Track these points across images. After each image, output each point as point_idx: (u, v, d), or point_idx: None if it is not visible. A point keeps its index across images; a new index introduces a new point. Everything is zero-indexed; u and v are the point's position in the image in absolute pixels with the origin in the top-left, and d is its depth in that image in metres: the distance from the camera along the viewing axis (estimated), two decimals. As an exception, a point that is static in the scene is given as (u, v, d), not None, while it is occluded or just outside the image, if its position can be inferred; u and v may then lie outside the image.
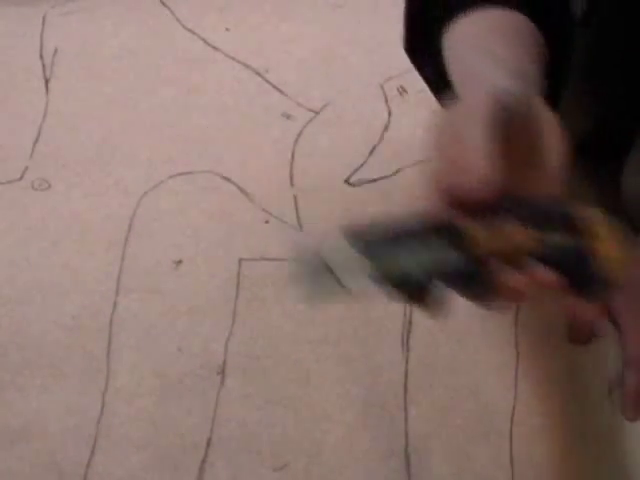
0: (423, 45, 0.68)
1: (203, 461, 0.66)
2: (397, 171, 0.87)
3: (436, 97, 0.72)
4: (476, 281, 0.43)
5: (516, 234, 0.42)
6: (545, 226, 0.41)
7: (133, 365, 0.71)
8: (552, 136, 0.49)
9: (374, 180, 0.86)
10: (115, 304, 0.75)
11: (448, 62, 0.61)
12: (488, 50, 0.56)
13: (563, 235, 0.40)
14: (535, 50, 0.58)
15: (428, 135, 0.50)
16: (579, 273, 0.40)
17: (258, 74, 0.98)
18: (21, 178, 0.85)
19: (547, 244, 0.41)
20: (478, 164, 0.44)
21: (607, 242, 0.40)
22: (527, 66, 0.54)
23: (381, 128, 0.92)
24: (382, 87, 0.94)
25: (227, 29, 1.04)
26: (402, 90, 0.93)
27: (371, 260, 0.40)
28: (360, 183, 0.86)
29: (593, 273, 0.40)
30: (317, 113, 0.93)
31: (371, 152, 0.89)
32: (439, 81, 0.64)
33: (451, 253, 0.41)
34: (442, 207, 0.45)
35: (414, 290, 0.42)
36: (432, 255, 0.41)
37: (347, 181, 0.86)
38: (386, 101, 0.92)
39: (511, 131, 0.47)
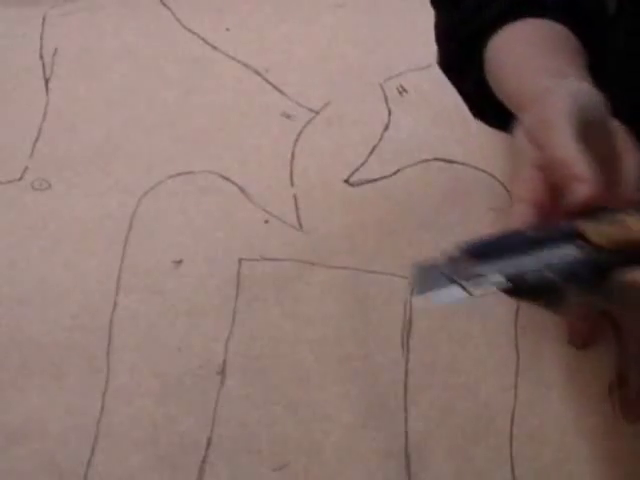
0: (461, 61, 0.66)
1: (203, 461, 0.66)
2: (397, 171, 0.87)
3: (475, 114, 0.70)
4: (608, 280, 0.40)
5: (634, 223, 0.40)
6: None
7: (133, 365, 0.71)
8: (626, 144, 0.49)
9: (374, 180, 0.86)
10: (115, 304, 0.75)
11: (492, 72, 0.60)
12: (534, 56, 0.56)
13: None
14: (577, 56, 0.58)
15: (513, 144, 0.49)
16: None
17: (258, 74, 0.98)
18: (21, 178, 0.85)
19: None
20: (581, 166, 0.44)
21: None
22: (574, 73, 0.53)
23: (381, 128, 0.92)
24: (382, 87, 0.94)
25: (227, 29, 1.04)
26: (402, 90, 0.93)
27: (499, 270, 0.39)
28: (360, 183, 0.86)
29: None
30: (317, 113, 0.93)
31: (371, 152, 0.89)
32: (480, 96, 0.63)
33: (578, 253, 0.40)
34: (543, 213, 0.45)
35: (549, 294, 0.41)
36: (559, 258, 0.40)
37: (347, 181, 0.86)
38: (386, 101, 0.92)
39: (589, 134, 0.46)
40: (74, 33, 1.02)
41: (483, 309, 0.76)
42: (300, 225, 0.81)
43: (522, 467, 0.67)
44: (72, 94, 0.94)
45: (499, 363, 0.73)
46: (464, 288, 0.39)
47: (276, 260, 0.79)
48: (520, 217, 0.45)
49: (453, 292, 0.40)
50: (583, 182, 0.43)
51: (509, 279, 0.39)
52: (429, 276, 0.41)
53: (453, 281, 0.39)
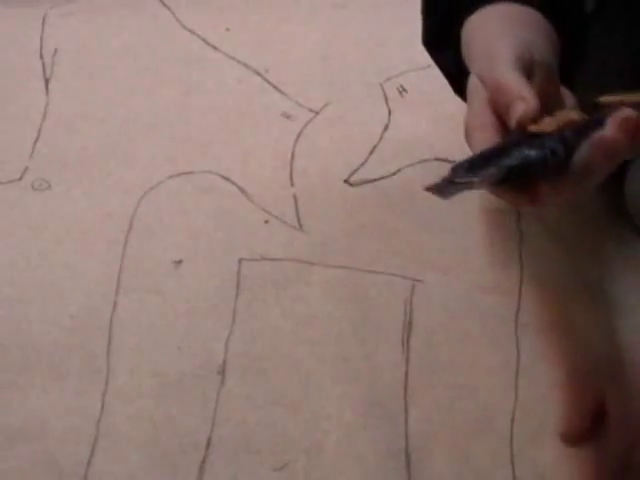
0: (442, 38, 0.69)
1: (203, 461, 0.66)
2: (397, 171, 0.87)
3: (455, 90, 0.72)
4: (563, 155, 0.51)
5: (572, 114, 0.53)
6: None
7: (133, 365, 0.71)
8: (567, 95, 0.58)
9: (374, 180, 0.86)
10: (115, 304, 0.75)
11: (465, 47, 0.64)
12: (502, 30, 0.61)
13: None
14: (550, 39, 0.62)
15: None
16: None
17: (258, 74, 0.98)
18: (21, 178, 0.85)
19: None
20: (518, 88, 0.53)
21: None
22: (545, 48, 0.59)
23: (381, 128, 0.92)
24: (382, 87, 0.94)
25: (227, 29, 1.04)
26: (402, 90, 0.93)
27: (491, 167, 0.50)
28: (360, 183, 0.86)
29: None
30: (317, 113, 0.93)
31: (371, 152, 0.89)
32: (459, 73, 0.65)
33: (534, 145, 0.51)
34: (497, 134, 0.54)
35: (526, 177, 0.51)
36: (523, 154, 0.50)
37: (347, 181, 0.86)
38: (386, 101, 0.92)
39: (535, 74, 0.55)
40: (74, 33, 1.01)
41: (483, 309, 0.76)
42: (300, 225, 0.81)
43: (522, 467, 0.67)
44: (72, 94, 0.94)
45: (499, 363, 0.73)
46: (468, 183, 0.51)
47: (276, 260, 0.79)
48: (478, 144, 0.54)
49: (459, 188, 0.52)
50: (521, 100, 0.52)
51: (504, 168, 0.50)
52: (442, 188, 0.53)
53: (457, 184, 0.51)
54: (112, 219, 0.82)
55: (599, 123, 0.51)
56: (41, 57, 0.98)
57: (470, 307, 0.76)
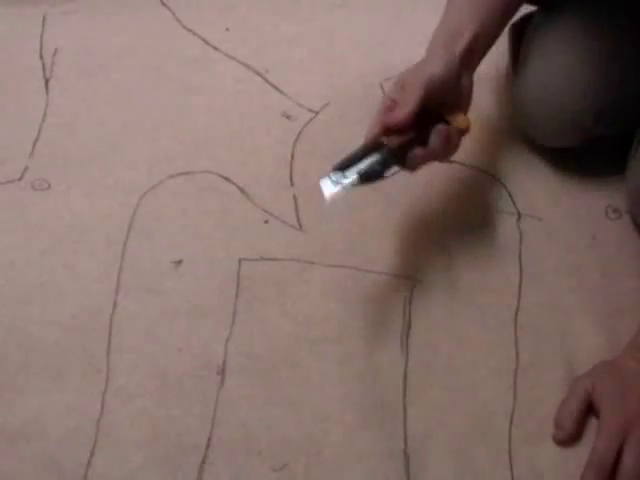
0: None
1: (203, 461, 0.66)
2: (397, 171, 0.87)
3: None
4: (396, 161, 0.74)
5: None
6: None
7: (133, 365, 0.71)
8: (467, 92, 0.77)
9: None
10: (115, 304, 0.75)
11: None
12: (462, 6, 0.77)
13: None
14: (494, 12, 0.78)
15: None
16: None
17: (258, 74, 0.98)
18: (21, 178, 0.85)
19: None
20: (404, 110, 0.72)
21: (459, 119, 0.74)
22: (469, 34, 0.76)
23: (381, 128, 0.92)
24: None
25: (227, 29, 1.04)
26: (402, 90, 0.93)
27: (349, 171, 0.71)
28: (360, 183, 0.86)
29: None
30: (317, 113, 0.93)
31: (371, 152, 0.89)
32: None
33: (380, 153, 0.72)
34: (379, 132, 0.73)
35: (375, 178, 0.72)
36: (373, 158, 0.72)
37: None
38: (386, 101, 0.92)
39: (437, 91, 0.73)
40: (74, 33, 1.02)
41: (483, 309, 0.76)
42: (300, 225, 0.81)
43: (521, 467, 0.67)
44: (72, 94, 0.94)
45: (499, 363, 0.73)
46: (341, 183, 0.70)
47: (276, 260, 0.79)
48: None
49: (332, 186, 0.70)
50: (402, 119, 0.71)
51: (359, 174, 0.70)
52: (324, 184, 0.70)
53: (334, 181, 0.70)
54: (112, 219, 0.82)
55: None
56: (41, 57, 0.98)
57: (470, 307, 0.77)
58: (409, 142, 0.74)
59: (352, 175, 0.71)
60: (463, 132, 0.76)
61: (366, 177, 0.71)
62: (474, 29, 0.76)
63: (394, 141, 0.73)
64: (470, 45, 0.75)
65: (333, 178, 0.70)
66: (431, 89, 0.73)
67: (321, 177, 0.70)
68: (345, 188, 0.70)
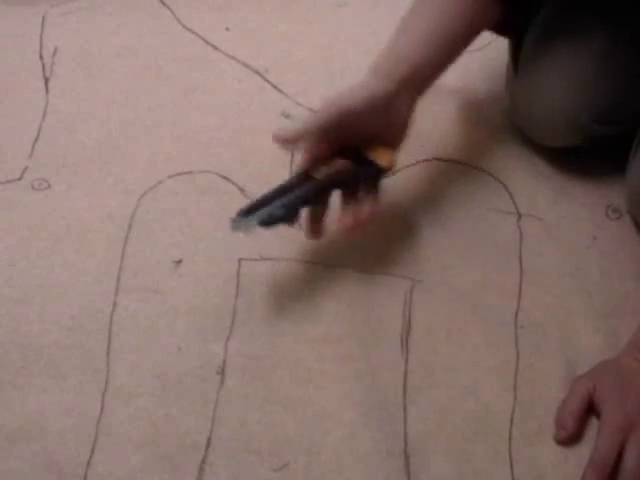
0: None
1: (203, 461, 0.66)
2: (397, 171, 0.87)
3: None
4: (319, 199, 0.74)
5: (336, 162, 0.74)
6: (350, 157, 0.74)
7: (133, 365, 0.71)
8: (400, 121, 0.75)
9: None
10: (115, 304, 0.75)
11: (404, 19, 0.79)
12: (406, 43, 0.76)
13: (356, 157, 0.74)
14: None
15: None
16: (366, 166, 0.74)
17: (258, 74, 0.98)
18: (21, 178, 0.85)
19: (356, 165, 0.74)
20: (295, 126, 0.72)
21: (383, 156, 0.74)
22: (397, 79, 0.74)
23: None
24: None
25: (227, 29, 1.04)
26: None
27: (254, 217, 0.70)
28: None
29: (376, 165, 0.74)
30: (317, 113, 0.93)
31: (371, 152, 0.89)
32: None
33: (303, 187, 0.72)
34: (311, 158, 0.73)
35: (286, 222, 0.71)
36: (293, 194, 0.71)
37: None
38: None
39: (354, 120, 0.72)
40: (74, 33, 1.02)
41: (483, 309, 0.76)
42: (300, 225, 0.81)
43: (521, 467, 0.67)
44: (72, 94, 0.94)
45: (499, 364, 0.73)
46: (244, 228, 0.69)
47: (276, 260, 0.79)
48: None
49: (241, 229, 0.69)
50: (308, 151, 0.73)
51: (259, 221, 0.69)
52: (235, 224, 0.70)
53: (237, 225, 0.69)
54: (112, 219, 0.82)
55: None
56: (41, 57, 0.98)
57: (470, 307, 0.76)
58: (333, 179, 0.72)
59: (253, 221, 0.69)
60: (383, 171, 0.74)
61: (268, 224, 0.69)
62: (414, 61, 0.74)
63: (322, 172, 0.72)
64: (407, 76, 0.73)
65: (236, 223, 0.69)
66: (345, 116, 0.71)
67: (231, 217, 0.69)
68: (250, 232, 0.69)
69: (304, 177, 0.72)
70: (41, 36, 1.01)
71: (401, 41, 0.76)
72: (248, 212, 0.70)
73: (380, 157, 0.74)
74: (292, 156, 0.88)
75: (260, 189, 0.84)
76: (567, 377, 0.71)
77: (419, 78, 0.75)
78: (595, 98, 0.81)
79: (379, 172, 0.75)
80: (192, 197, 0.84)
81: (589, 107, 0.81)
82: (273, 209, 0.70)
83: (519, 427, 0.69)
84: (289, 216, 0.70)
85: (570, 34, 0.82)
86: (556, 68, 0.82)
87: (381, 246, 0.81)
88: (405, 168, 0.87)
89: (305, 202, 0.72)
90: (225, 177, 0.86)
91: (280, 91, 0.96)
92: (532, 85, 0.84)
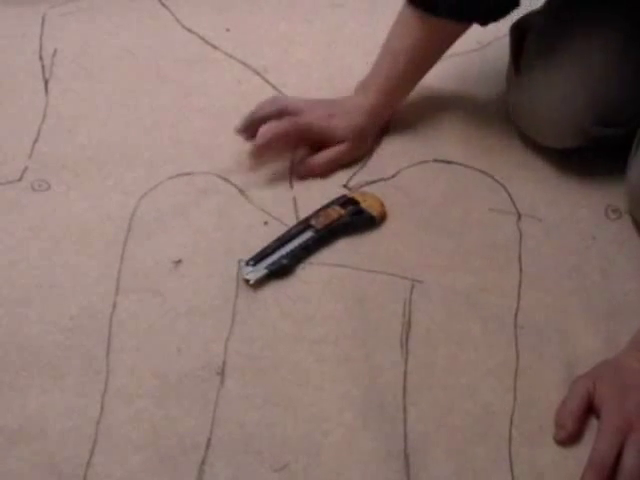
0: None
1: (203, 462, 0.66)
2: (396, 173, 0.87)
3: None
4: (318, 248, 0.80)
5: (332, 212, 0.82)
6: (345, 205, 0.83)
7: (133, 366, 0.71)
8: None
9: (373, 182, 0.86)
10: (114, 304, 0.75)
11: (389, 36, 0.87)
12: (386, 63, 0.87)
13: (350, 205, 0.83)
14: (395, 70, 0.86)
15: None
16: (359, 216, 0.82)
17: (258, 74, 0.98)
18: (21, 179, 0.85)
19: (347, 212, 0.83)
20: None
21: (369, 202, 0.83)
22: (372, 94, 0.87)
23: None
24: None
25: (227, 29, 1.04)
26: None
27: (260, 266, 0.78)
28: (359, 185, 0.86)
29: (365, 214, 0.82)
30: (317, 113, 0.93)
31: (370, 154, 0.89)
32: None
33: (304, 236, 0.80)
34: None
35: (285, 271, 0.78)
36: (296, 244, 0.79)
37: (346, 186, 0.86)
38: (386, 101, 0.92)
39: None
40: (74, 33, 1.02)
41: (483, 309, 0.76)
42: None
43: (521, 467, 0.67)
44: (71, 95, 0.94)
45: (498, 364, 0.73)
46: (253, 275, 0.77)
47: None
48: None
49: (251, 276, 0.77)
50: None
51: (270, 271, 0.77)
52: (245, 270, 0.77)
53: (247, 272, 0.77)
54: (111, 220, 0.82)
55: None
56: (40, 58, 0.98)
57: (469, 307, 0.76)
58: (331, 229, 0.80)
59: (265, 270, 0.77)
60: (375, 220, 0.81)
61: (277, 273, 0.77)
62: (382, 84, 0.85)
63: (320, 222, 0.80)
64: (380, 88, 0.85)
65: (245, 271, 0.76)
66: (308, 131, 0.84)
67: (240, 260, 0.77)
68: (258, 280, 0.76)
69: (303, 227, 0.80)
70: (41, 37, 1.01)
71: (378, 66, 0.87)
72: (255, 260, 0.77)
73: (371, 207, 0.82)
74: (292, 156, 0.88)
75: (260, 190, 0.85)
76: (567, 377, 0.71)
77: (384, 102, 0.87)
78: (598, 99, 0.81)
79: (372, 221, 0.82)
80: (192, 198, 0.84)
81: (591, 108, 0.81)
82: (280, 258, 0.78)
83: (519, 427, 0.69)
84: (294, 263, 0.78)
85: (572, 36, 0.82)
86: (559, 70, 0.82)
87: (381, 246, 0.81)
88: (405, 169, 0.87)
89: (307, 251, 0.79)
90: (225, 178, 0.86)
91: (279, 91, 0.96)
92: (534, 86, 0.84)
